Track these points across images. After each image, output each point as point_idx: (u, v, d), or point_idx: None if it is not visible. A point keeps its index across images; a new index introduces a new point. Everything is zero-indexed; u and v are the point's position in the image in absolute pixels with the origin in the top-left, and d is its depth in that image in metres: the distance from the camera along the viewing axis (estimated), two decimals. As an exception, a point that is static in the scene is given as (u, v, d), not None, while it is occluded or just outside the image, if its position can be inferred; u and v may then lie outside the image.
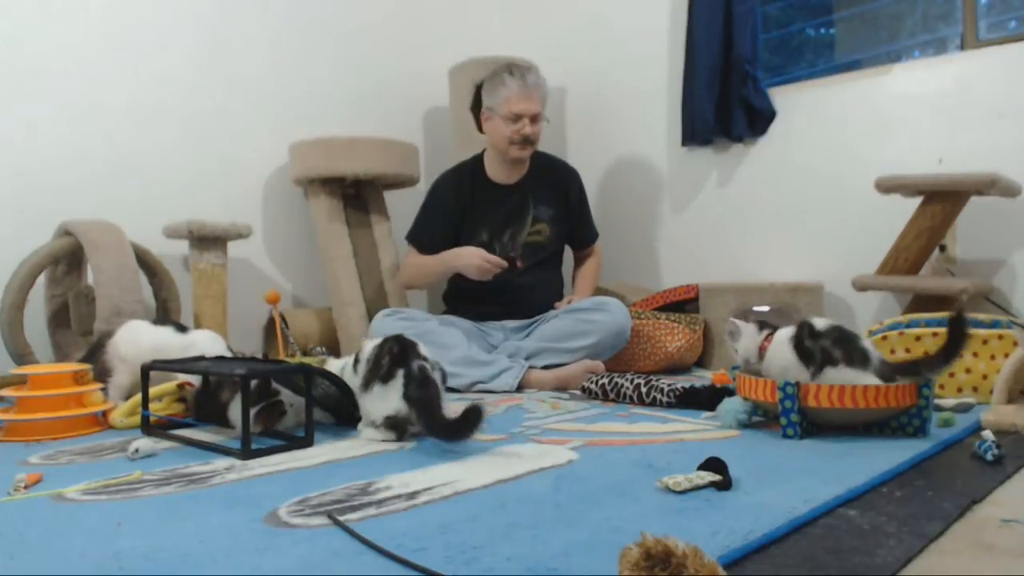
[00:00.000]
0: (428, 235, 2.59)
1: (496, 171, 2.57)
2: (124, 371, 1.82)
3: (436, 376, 1.52)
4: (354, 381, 1.59)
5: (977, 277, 2.42)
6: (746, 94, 2.90)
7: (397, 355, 1.51)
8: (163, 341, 1.84)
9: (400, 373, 1.47)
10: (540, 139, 2.52)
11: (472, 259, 2.38)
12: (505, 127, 2.44)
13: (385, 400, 1.48)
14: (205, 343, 1.87)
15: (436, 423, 1.41)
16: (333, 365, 1.70)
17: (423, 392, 1.45)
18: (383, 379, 1.49)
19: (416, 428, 1.48)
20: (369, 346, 1.59)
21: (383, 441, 1.50)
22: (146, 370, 1.63)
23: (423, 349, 1.55)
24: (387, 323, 2.34)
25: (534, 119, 2.45)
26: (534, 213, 2.57)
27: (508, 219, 2.56)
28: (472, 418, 1.36)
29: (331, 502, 1.08)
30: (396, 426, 1.49)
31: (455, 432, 1.39)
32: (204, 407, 1.67)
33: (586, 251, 2.76)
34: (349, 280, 2.88)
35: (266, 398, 1.57)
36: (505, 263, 2.36)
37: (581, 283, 2.69)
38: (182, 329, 1.93)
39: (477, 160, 2.62)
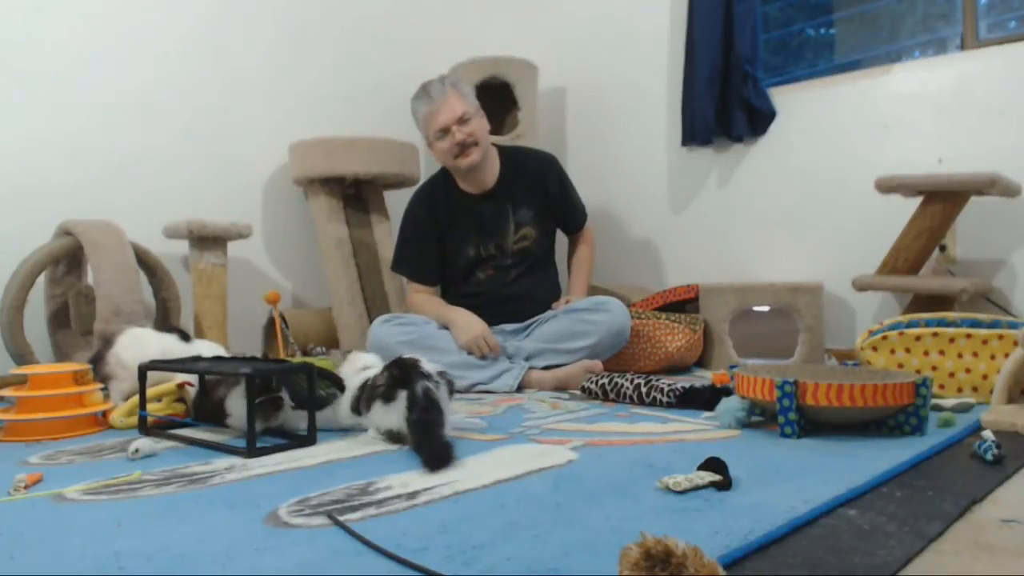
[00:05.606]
0: (413, 263, 2.53)
1: (466, 183, 2.48)
2: (127, 377, 1.81)
3: (443, 391, 1.49)
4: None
5: (977, 277, 2.43)
6: (746, 94, 2.90)
7: (399, 378, 1.48)
8: (168, 349, 1.84)
9: (403, 395, 1.45)
10: (483, 136, 2.39)
11: (471, 330, 2.31)
12: (442, 144, 2.38)
13: (387, 417, 1.48)
14: (207, 353, 1.87)
15: (427, 451, 1.36)
16: (355, 361, 1.71)
17: (425, 416, 1.41)
18: (384, 398, 1.47)
19: None
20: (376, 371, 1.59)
21: (384, 441, 1.50)
22: (143, 370, 1.63)
23: (425, 365, 1.51)
24: (385, 329, 2.31)
25: (461, 122, 2.35)
26: (515, 220, 2.49)
27: (490, 230, 2.48)
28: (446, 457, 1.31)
29: (331, 502, 1.08)
30: (397, 439, 1.49)
31: (435, 465, 1.32)
32: (203, 408, 1.68)
33: (577, 235, 2.68)
34: (349, 280, 2.88)
35: (265, 394, 1.57)
36: (495, 351, 2.30)
37: (576, 279, 2.63)
38: (186, 338, 1.93)
39: (446, 174, 2.52)
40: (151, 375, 1.67)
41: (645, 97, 3.31)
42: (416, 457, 1.37)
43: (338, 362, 1.75)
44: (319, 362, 1.65)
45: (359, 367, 1.67)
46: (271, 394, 1.57)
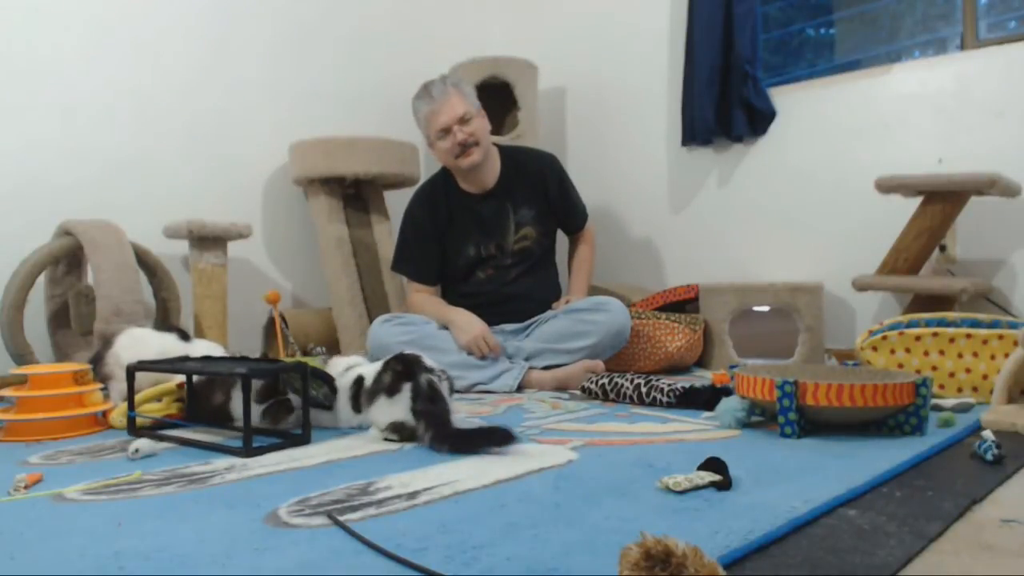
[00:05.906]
0: (413, 263, 2.53)
1: (467, 183, 2.48)
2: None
3: (444, 387, 1.51)
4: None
5: (977, 277, 2.43)
6: (746, 94, 2.90)
7: (402, 372, 1.51)
8: (168, 349, 1.84)
9: (407, 387, 1.47)
10: (484, 136, 2.39)
11: (471, 330, 2.30)
12: (443, 144, 2.38)
13: (391, 410, 1.48)
14: (207, 352, 1.87)
15: (446, 435, 1.39)
16: (338, 364, 1.71)
17: (434, 407, 1.44)
18: (388, 392, 1.48)
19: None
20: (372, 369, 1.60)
21: (385, 440, 1.50)
22: (131, 371, 1.63)
23: (427, 360, 1.55)
24: (385, 329, 2.31)
25: (462, 122, 2.35)
26: (516, 219, 2.49)
27: (490, 229, 2.48)
28: (495, 437, 1.34)
29: (331, 502, 1.08)
30: (402, 431, 1.49)
31: (467, 444, 1.37)
32: (195, 408, 1.67)
33: (577, 235, 2.67)
34: (349, 280, 2.88)
35: (274, 396, 1.57)
36: (495, 351, 2.29)
37: (576, 279, 2.62)
38: (185, 337, 1.93)
39: (447, 173, 2.52)
40: (153, 374, 1.67)
41: (645, 97, 3.31)
42: (425, 452, 1.37)
43: (320, 365, 1.76)
44: (311, 363, 1.66)
45: (342, 369, 1.68)
46: (279, 396, 1.57)
